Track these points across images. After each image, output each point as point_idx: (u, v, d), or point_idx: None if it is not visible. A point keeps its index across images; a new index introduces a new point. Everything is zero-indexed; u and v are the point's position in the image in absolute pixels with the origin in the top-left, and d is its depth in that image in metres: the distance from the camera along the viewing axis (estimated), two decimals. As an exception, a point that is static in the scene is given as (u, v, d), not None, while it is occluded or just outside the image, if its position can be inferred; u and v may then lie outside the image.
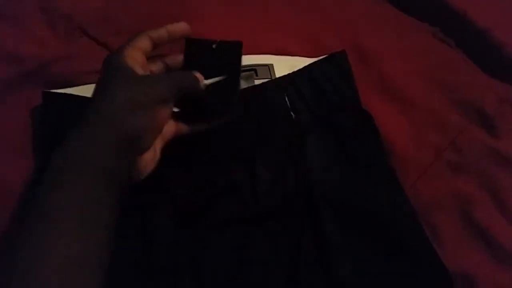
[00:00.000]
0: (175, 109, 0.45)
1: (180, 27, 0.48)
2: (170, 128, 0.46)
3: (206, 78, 0.46)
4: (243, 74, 0.59)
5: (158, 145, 0.44)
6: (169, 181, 0.51)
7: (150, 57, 0.47)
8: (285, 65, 0.61)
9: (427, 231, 0.53)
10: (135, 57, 0.43)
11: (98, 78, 0.42)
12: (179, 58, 0.49)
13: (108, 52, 0.59)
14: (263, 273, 0.50)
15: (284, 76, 0.59)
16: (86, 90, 0.56)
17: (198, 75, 0.46)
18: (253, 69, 0.60)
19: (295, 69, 0.60)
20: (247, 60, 0.61)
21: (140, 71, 0.42)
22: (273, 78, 0.60)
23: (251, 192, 0.53)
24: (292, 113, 0.57)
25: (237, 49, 0.51)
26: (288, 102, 0.58)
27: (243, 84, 0.58)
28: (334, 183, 0.54)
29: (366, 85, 0.61)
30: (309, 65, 0.60)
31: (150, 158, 0.43)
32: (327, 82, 0.59)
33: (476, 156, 0.58)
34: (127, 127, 0.38)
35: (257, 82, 0.59)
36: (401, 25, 0.68)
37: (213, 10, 0.66)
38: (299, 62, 0.61)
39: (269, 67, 0.61)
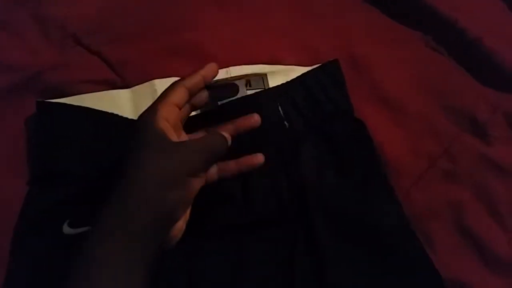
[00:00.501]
0: None
1: (212, 69, 0.45)
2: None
3: None
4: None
5: (188, 210, 0.42)
6: None
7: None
8: (278, 75, 0.61)
9: (421, 239, 0.53)
10: (170, 116, 0.40)
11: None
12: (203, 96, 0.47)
13: (101, 61, 0.60)
14: (257, 281, 0.50)
15: (277, 86, 0.59)
16: (80, 100, 0.56)
17: (227, 135, 0.44)
18: (245, 79, 0.60)
19: (289, 79, 0.60)
20: (240, 70, 0.61)
21: (173, 134, 0.40)
22: (266, 88, 0.60)
23: (245, 200, 0.53)
24: (285, 122, 0.57)
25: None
26: (281, 111, 0.58)
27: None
28: (328, 191, 0.54)
29: (359, 93, 0.61)
30: (302, 74, 0.60)
31: (180, 225, 0.41)
32: (320, 91, 0.59)
33: (469, 164, 0.58)
34: (159, 204, 0.37)
35: (250, 92, 0.59)
36: (394, 34, 0.68)
37: (208, 18, 0.66)
38: (293, 72, 0.61)
39: (263, 77, 0.60)
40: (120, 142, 0.52)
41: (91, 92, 0.57)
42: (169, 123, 0.40)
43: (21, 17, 0.61)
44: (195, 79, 0.44)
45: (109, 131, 0.54)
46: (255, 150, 0.54)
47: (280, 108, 0.58)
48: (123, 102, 0.57)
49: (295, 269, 0.50)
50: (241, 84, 0.57)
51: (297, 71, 0.61)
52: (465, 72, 0.65)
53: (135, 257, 0.35)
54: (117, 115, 0.55)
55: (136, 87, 0.58)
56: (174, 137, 0.40)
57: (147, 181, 0.36)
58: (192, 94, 0.44)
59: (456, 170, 0.58)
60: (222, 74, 0.60)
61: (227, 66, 0.61)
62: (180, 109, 0.43)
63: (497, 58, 0.63)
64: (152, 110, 0.40)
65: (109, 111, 0.56)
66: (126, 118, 0.56)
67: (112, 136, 0.54)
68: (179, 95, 0.42)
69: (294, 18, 0.68)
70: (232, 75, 0.60)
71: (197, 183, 0.41)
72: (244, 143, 0.55)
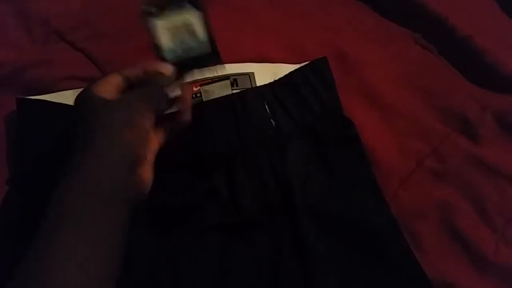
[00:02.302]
0: None
1: (157, 68, 0.46)
2: (156, 138, 0.46)
3: None
4: (218, 83, 0.58)
5: (150, 157, 0.45)
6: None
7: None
8: (266, 73, 0.61)
9: (409, 239, 0.52)
10: (107, 91, 0.43)
11: (75, 114, 0.43)
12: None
13: (85, 58, 0.59)
14: (243, 282, 0.49)
15: (264, 84, 0.59)
16: (62, 96, 0.55)
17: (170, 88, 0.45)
18: (229, 78, 0.59)
19: (277, 77, 0.60)
20: (228, 69, 0.60)
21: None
22: (253, 86, 0.59)
23: (231, 199, 0.52)
24: (272, 121, 0.57)
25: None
26: (268, 110, 0.57)
27: (218, 93, 0.58)
28: (315, 191, 0.54)
29: (348, 92, 0.61)
30: (290, 72, 0.60)
31: (148, 171, 0.44)
32: (308, 90, 0.59)
33: (458, 164, 0.58)
34: (119, 146, 0.40)
35: (236, 91, 0.58)
36: (383, 32, 0.68)
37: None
38: (281, 69, 0.61)
39: (250, 76, 0.60)
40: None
41: (75, 88, 0.57)
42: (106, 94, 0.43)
43: (3, 12, 0.60)
44: (135, 71, 0.46)
45: None
46: (241, 147, 0.54)
47: (266, 107, 0.57)
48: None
49: (281, 271, 0.49)
50: (223, 84, 0.56)
51: (285, 68, 0.61)
52: (455, 71, 0.65)
53: (106, 210, 0.38)
54: None
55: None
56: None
57: (105, 129, 0.40)
58: (129, 81, 0.46)
59: (445, 170, 0.57)
60: (209, 72, 0.59)
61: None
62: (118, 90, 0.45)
63: (487, 57, 0.63)
64: (88, 86, 0.44)
65: None
66: None
67: None
68: (115, 79, 0.45)
69: (281, 15, 0.68)
70: (219, 74, 0.59)
71: (147, 123, 0.43)
72: (230, 140, 0.54)
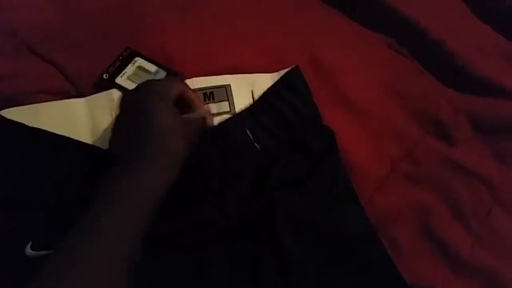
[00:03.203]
0: None
1: (198, 101, 0.53)
2: None
3: None
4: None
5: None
6: None
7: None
8: (242, 84, 0.60)
9: (386, 243, 0.52)
10: (170, 98, 0.48)
11: (127, 108, 0.47)
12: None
13: (55, 70, 0.58)
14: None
15: (242, 111, 0.58)
16: (35, 109, 0.55)
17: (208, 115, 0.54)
18: (211, 92, 0.60)
19: (253, 88, 0.60)
20: (204, 82, 0.60)
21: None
22: (229, 99, 0.59)
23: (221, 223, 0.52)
24: (256, 145, 0.56)
25: None
26: (250, 135, 0.57)
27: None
28: (294, 202, 0.53)
29: (323, 97, 0.61)
30: (265, 93, 0.59)
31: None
32: (285, 107, 0.58)
33: (432, 166, 0.58)
34: (176, 148, 0.44)
35: (214, 105, 0.59)
36: (357, 37, 0.68)
37: (168, 25, 0.65)
38: (257, 80, 0.61)
39: (226, 88, 0.60)
40: (79, 168, 0.52)
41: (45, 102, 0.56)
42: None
43: (-30, 25, 0.59)
44: (191, 96, 0.52)
45: (70, 156, 0.53)
46: (229, 177, 0.54)
47: (248, 132, 0.57)
48: (79, 111, 0.56)
49: (260, 279, 0.49)
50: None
51: (261, 79, 0.61)
52: (428, 74, 0.66)
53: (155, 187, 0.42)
54: (75, 140, 0.54)
55: (92, 96, 0.57)
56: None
57: (178, 145, 0.45)
58: (182, 95, 0.51)
59: (420, 173, 0.57)
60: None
61: (190, 75, 0.60)
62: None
63: (459, 60, 0.63)
64: (162, 86, 0.48)
65: (65, 120, 0.55)
66: (85, 144, 0.54)
67: (72, 162, 0.53)
68: (177, 89, 0.50)
69: (255, 22, 0.68)
70: (195, 87, 0.59)
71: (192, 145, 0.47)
72: (217, 168, 0.54)
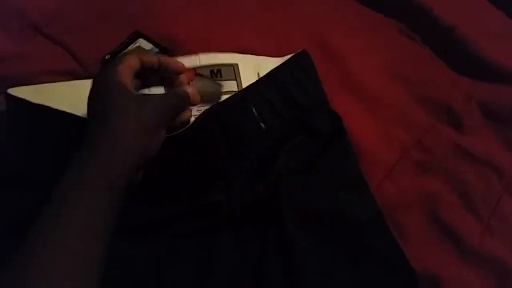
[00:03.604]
0: None
1: (172, 65, 0.49)
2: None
3: None
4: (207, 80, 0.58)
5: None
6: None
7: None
8: (249, 65, 0.60)
9: (394, 230, 0.52)
10: (126, 74, 0.44)
11: (91, 91, 0.44)
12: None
13: (63, 51, 0.57)
14: (227, 279, 0.48)
15: (249, 86, 0.56)
16: (43, 89, 0.54)
17: (190, 90, 0.48)
18: (219, 70, 0.58)
19: (260, 69, 0.59)
20: (211, 59, 0.59)
21: (132, 89, 0.44)
22: (237, 78, 0.58)
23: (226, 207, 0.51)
24: (262, 124, 0.55)
25: None
26: (256, 113, 0.55)
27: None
28: (301, 187, 0.53)
29: (332, 83, 0.60)
30: (273, 70, 0.57)
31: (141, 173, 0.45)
32: (294, 86, 0.57)
33: (442, 153, 0.57)
34: (134, 149, 0.41)
35: (221, 83, 0.57)
36: (367, 22, 0.67)
37: (176, 8, 0.65)
38: (264, 62, 0.60)
39: (234, 67, 0.59)
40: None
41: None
42: (126, 80, 0.44)
43: (-23, 7, 0.59)
44: (152, 60, 0.48)
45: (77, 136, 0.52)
46: (233, 157, 0.53)
47: (254, 110, 0.55)
48: (86, 92, 0.55)
49: (265, 267, 0.48)
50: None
51: (268, 62, 0.60)
52: (439, 60, 0.65)
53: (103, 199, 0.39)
54: (83, 118, 0.52)
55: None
56: (133, 90, 0.44)
57: (123, 132, 0.40)
58: (144, 66, 0.47)
59: (429, 160, 0.57)
60: (192, 61, 0.58)
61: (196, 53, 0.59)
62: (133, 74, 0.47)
63: (471, 46, 0.63)
64: (111, 68, 0.44)
65: (72, 101, 0.52)
66: None
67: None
68: (134, 61, 0.46)
69: (263, 5, 0.67)
70: (202, 63, 0.58)
71: (163, 133, 0.45)
72: (221, 149, 0.53)
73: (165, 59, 0.49)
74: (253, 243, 0.50)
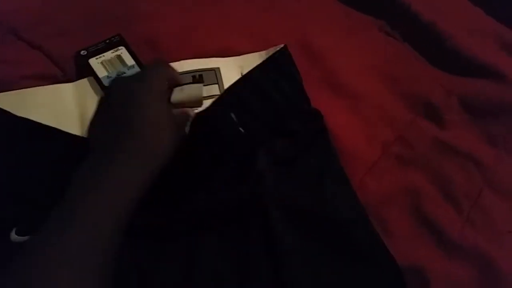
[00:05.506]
0: None
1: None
2: None
3: None
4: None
5: None
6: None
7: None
8: (232, 66, 0.60)
9: (377, 225, 0.52)
10: (161, 84, 0.45)
11: (112, 100, 0.44)
12: None
13: (43, 56, 0.57)
14: (211, 277, 0.48)
15: (226, 90, 0.56)
16: (22, 94, 0.54)
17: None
18: (200, 75, 0.59)
19: (243, 70, 0.59)
20: (193, 65, 0.59)
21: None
22: (219, 82, 0.58)
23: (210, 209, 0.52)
24: (241, 129, 0.54)
25: None
26: (235, 118, 0.55)
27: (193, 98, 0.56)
28: (284, 186, 0.53)
29: (314, 81, 0.60)
30: (250, 71, 0.57)
31: None
32: (272, 88, 0.57)
33: (424, 149, 0.58)
34: (163, 149, 0.43)
35: (203, 88, 0.57)
36: (347, 20, 0.68)
37: (157, 9, 0.65)
38: (246, 61, 0.60)
39: (216, 71, 0.59)
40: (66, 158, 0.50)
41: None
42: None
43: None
44: (179, 80, 0.50)
45: (57, 146, 0.52)
46: (214, 163, 0.53)
47: (233, 115, 0.54)
48: (66, 97, 0.55)
49: (250, 265, 0.49)
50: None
51: (250, 59, 0.60)
52: (420, 56, 0.65)
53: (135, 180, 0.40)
54: (64, 132, 0.52)
55: (80, 81, 0.57)
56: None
57: (157, 127, 0.42)
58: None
59: (411, 155, 0.57)
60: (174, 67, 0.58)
61: (179, 59, 0.59)
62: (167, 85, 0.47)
63: (451, 42, 0.63)
64: (155, 73, 0.46)
65: (53, 105, 0.54)
66: (73, 135, 0.53)
67: (59, 152, 0.51)
68: (169, 73, 0.48)
69: (246, 6, 0.67)
70: (184, 69, 0.58)
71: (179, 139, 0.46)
72: (202, 157, 0.53)
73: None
74: (237, 244, 0.50)
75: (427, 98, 0.61)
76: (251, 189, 0.52)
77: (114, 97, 0.45)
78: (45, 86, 0.56)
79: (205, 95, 0.57)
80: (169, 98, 0.48)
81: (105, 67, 0.57)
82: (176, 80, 0.49)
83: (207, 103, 0.55)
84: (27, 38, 0.58)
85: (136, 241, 0.49)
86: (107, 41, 0.59)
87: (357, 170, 0.56)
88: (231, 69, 0.60)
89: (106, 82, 0.56)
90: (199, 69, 0.59)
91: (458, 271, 0.50)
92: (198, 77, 0.58)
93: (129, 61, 0.58)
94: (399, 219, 0.54)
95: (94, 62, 0.57)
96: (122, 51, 0.59)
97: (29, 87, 0.55)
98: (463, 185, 0.55)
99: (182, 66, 0.58)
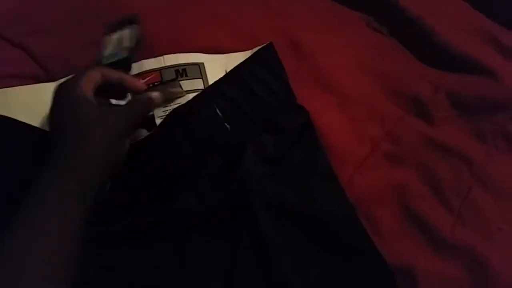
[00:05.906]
0: None
1: (133, 85, 0.52)
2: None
3: None
4: (168, 83, 0.57)
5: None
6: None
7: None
8: (216, 64, 0.59)
9: (366, 224, 0.51)
10: (87, 87, 0.46)
11: (53, 104, 0.46)
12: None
13: (24, 54, 0.56)
14: (199, 277, 0.48)
15: (211, 85, 0.55)
16: (3, 94, 0.53)
17: (153, 95, 0.51)
18: (184, 69, 0.58)
19: (228, 68, 0.58)
20: (177, 59, 0.58)
21: (94, 102, 0.46)
22: (203, 77, 0.57)
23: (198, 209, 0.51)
24: (226, 124, 0.54)
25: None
26: (220, 113, 0.54)
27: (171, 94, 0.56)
28: (272, 183, 0.52)
29: (301, 79, 0.60)
30: (235, 68, 0.57)
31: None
32: (258, 84, 0.56)
33: (412, 145, 0.57)
34: (102, 158, 0.43)
35: (187, 82, 0.56)
36: (335, 16, 0.67)
37: (140, 5, 0.63)
38: (231, 59, 0.59)
39: (200, 66, 0.58)
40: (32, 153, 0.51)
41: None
42: (89, 93, 0.46)
43: None
44: (115, 75, 0.50)
45: (35, 144, 0.51)
46: (198, 158, 0.53)
47: (218, 111, 0.54)
48: (49, 96, 0.54)
49: (239, 264, 0.48)
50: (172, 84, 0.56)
51: (234, 57, 0.59)
52: (407, 52, 0.65)
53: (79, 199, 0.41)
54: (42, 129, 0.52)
55: (62, 80, 0.55)
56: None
57: (94, 139, 0.43)
58: (106, 82, 0.49)
59: (400, 152, 0.57)
60: (157, 63, 0.58)
61: (163, 54, 0.58)
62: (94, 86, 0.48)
63: (438, 37, 0.63)
64: (73, 80, 0.46)
65: (34, 105, 0.53)
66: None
67: (32, 148, 0.51)
68: (96, 75, 0.48)
69: (232, 3, 0.66)
70: (167, 64, 0.57)
71: (128, 141, 0.48)
72: (187, 152, 0.52)
73: (126, 78, 0.51)
74: (226, 242, 0.50)
75: (415, 95, 0.60)
76: (238, 188, 0.51)
77: (54, 103, 0.47)
78: (26, 86, 0.55)
79: (188, 88, 0.56)
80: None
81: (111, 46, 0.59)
82: (107, 80, 0.49)
83: (191, 97, 0.55)
84: (7, 36, 0.57)
85: (125, 242, 0.48)
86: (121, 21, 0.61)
87: (346, 168, 0.55)
88: (216, 66, 0.59)
89: (99, 58, 0.58)
90: (182, 63, 0.58)
91: (450, 270, 0.50)
92: (181, 71, 0.57)
93: (127, 44, 0.59)
94: (388, 217, 0.53)
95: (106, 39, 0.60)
96: (126, 35, 0.60)
97: (11, 86, 0.54)
98: (452, 182, 0.55)
99: (166, 60, 0.57)
